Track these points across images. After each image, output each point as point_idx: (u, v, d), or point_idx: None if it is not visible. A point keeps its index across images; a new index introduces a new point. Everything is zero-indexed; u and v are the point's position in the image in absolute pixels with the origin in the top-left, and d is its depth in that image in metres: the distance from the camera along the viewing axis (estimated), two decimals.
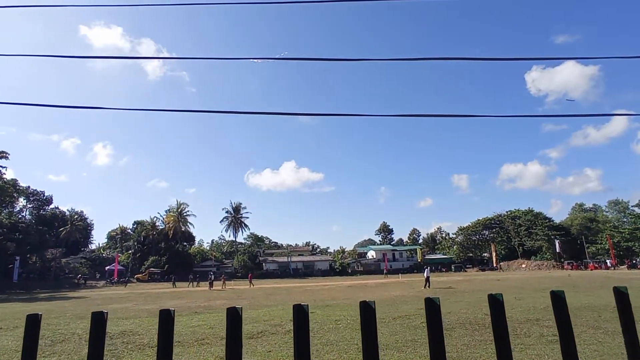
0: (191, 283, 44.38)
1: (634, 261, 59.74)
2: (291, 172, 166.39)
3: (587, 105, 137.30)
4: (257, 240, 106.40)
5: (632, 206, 74.18)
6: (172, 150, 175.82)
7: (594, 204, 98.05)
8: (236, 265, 70.67)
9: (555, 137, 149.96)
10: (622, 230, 68.00)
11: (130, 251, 71.86)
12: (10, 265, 47.63)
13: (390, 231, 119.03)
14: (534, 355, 6.69)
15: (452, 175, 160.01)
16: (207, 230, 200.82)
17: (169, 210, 77.17)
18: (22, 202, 68.71)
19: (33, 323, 1.13)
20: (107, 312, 1.22)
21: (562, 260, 68.41)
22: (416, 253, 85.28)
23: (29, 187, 69.78)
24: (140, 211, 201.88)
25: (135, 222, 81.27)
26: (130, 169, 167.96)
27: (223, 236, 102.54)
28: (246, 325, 11.36)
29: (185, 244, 78.35)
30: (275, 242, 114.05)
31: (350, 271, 78.98)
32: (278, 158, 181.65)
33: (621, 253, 64.69)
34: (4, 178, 51.66)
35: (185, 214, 77.31)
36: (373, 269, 75.38)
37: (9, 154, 51.09)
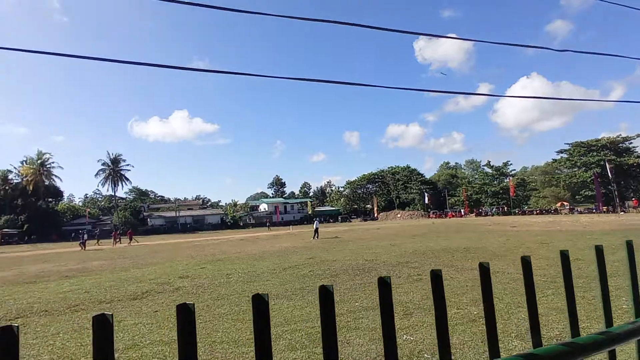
0: (83, 242, 32.07)
1: (480, 210, 72.37)
2: (183, 122, 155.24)
3: (460, 76, 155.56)
4: (141, 194, 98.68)
5: (482, 165, 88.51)
6: (32, 89, 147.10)
7: (456, 163, 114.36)
8: (116, 222, 64.79)
9: (433, 102, 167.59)
10: (474, 185, 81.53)
11: None
12: None
13: (283, 184, 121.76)
14: (402, 292, 7.78)
15: (344, 132, 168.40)
16: (80, 185, 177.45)
17: (25, 161, 65.54)
18: None
19: None
20: None
21: (429, 210, 79.31)
22: (307, 205, 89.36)
23: None
24: None
25: None
26: None
27: (100, 190, 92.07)
28: (129, 285, 10.68)
29: (50, 200, 68.31)
30: (162, 196, 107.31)
31: (242, 224, 79.40)
32: (167, 106, 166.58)
33: (471, 204, 77.57)
34: None
35: (49, 166, 66.71)
36: (265, 221, 76.90)
37: None
